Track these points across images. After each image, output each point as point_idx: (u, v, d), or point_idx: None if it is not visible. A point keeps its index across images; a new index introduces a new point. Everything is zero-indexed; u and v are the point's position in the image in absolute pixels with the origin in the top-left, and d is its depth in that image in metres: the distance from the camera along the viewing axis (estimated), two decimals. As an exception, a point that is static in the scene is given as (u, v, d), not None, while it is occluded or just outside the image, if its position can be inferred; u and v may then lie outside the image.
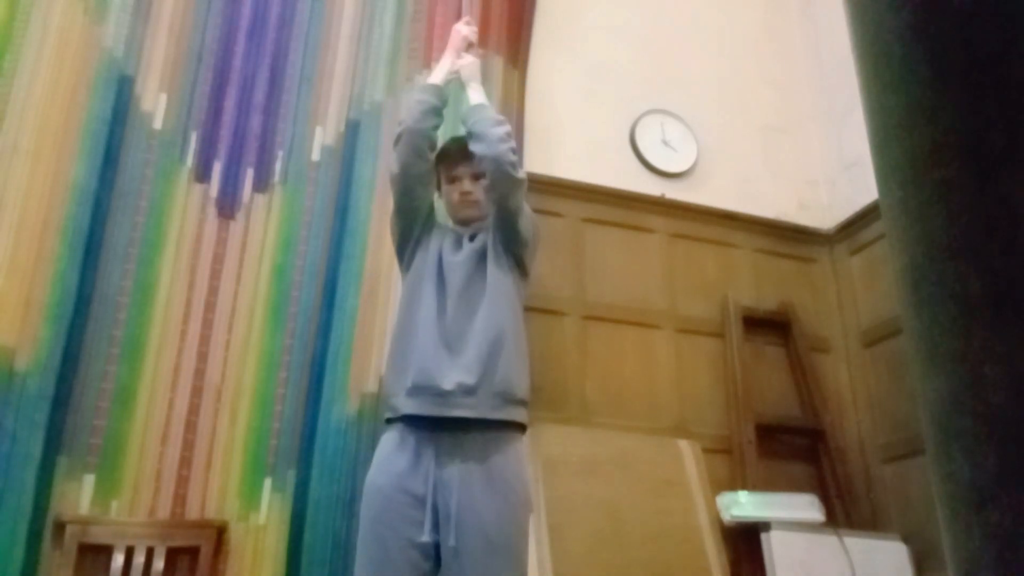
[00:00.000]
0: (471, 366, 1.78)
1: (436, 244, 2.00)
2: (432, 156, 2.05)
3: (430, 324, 1.84)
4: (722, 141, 3.57)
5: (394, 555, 1.68)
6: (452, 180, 2.09)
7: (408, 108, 2.07)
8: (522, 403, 1.85)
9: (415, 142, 1.98)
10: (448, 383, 1.76)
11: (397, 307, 2.02)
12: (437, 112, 2.05)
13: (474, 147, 2.00)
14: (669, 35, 3.70)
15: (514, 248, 1.98)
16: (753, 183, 3.56)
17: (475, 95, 2.14)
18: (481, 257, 1.96)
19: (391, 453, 1.79)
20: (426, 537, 1.69)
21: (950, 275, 0.48)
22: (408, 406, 1.79)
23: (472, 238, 2.02)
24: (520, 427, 1.85)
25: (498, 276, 1.92)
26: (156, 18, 2.79)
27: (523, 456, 1.86)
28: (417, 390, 1.79)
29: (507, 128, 2.02)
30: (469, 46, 2.22)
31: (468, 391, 1.76)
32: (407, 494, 1.72)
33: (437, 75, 2.15)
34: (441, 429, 1.77)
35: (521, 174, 1.99)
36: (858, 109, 0.64)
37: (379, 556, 1.70)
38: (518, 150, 2.06)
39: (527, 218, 2.03)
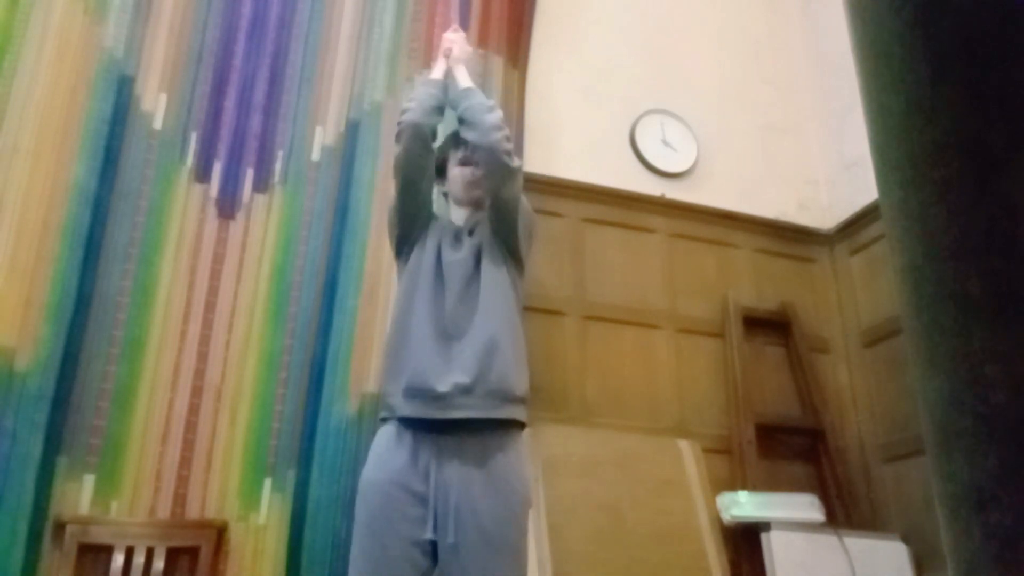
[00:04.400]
0: (467, 365, 1.76)
1: (434, 241, 1.97)
2: (434, 149, 2.05)
3: (425, 324, 1.82)
4: (722, 141, 3.57)
5: (393, 552, 1.67)
6: (464, 163, 2.08)
7: (416, 101, 2.02)
8: (521, 400, 1.84)
9: (423, 134, 1.97)
10: (444, 385, 1.75)
11: (393, 303, 2.00)
12: (441, 110, 2.06)
13: (466, 135, 1.99)
14: (669, 35, 3.70)
15: (509, 241, 1.96)
16: (753, 183, 3.56)
17: (463, 78, 2.11)
18: (478, 254, 1.94)
19: (388, 450, 1.78)
20: (428, 534, 1.68)
21: (950, 275, 0.48)
22: (404, 408, 1.78)
23: (471, 232, 2.00)
24: (519, 424, 1.84)
25: (494, 273, 1.90)
26: (156, 18, 2.79)
27: (523, 454, 1.85)
28: (413, 392, 1.77)
29: (499, 114, 1.99)
30: (448, 53, 2.19)
31: (464, 391, 1.75)
32: (407, 491, 1.71)
33: (437, 72, 2.16)
34: (439, 431, 1.76)
35: (516, 163, 1.97)
36: (858, 109, 0.64)
37: (376, 554, 1.68)
38: (512, 138, 2.06)
39: (523, 210, 2.01)
